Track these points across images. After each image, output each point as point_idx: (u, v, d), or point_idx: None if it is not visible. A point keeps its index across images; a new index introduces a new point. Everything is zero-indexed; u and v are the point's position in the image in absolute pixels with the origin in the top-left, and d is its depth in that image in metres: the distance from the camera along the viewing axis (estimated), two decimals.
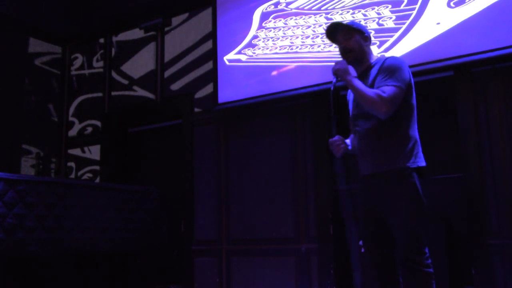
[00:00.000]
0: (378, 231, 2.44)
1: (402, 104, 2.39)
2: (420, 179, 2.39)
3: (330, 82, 3.67)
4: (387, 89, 2.33)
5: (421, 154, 2.46)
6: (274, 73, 4.21)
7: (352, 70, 2.54)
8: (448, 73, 3.59)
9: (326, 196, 3.95)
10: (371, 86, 2.43)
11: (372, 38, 2.81)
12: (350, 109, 2.67)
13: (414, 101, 2.51)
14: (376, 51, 3.77)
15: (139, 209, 4.22)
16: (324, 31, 2.62)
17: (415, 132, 2.48)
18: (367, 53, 2.58)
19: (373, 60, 2.57)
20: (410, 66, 3.57)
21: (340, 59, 2.57)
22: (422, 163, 2.42)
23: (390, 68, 2.40)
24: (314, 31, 4.10)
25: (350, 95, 2.69)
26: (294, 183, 4.11)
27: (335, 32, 2.60)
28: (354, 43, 2.54)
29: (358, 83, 2.41)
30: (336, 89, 2.58)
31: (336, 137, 2.56)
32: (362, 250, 3.51)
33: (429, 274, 2.27)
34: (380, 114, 2.33)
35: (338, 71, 2.47)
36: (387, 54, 3.71)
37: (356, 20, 3.84)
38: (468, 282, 3.36)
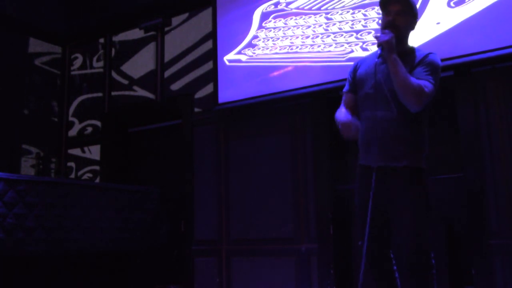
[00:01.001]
0: (379, 228, 2.33)
1: (427, 107, 2.34)
2: (427, 181, 2.36)
3: (330, 82, 3.60)
4: (429, 85, 2.24)
5: (427, 157, 2.40)
6: (275, 73, 4.21)
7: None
8: (448, 73, 3.59)
9: (326, 196, 3.95)
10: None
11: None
12: (364, 90, 2.42)
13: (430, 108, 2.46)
14: (375, 49, 3.76)
15: (139, 209, 4.22)
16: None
17: (428, 135, 2.40)
18: (406, 39, 2.42)
19: (408, 46, 2.42)
20: None
21: (387, 31, 2.31)
22: (427, 165, 2.37)
23: (433, 64, 2.31)
24: (314, 31, 4.10)
25: (366, 74, 2.43)
26: (294, 183, 4.11)
27: (391, 2, 2.37)
28: (405, 21, 2.36)
29: (401, 67, 2.22)
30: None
31: (348, 116, 2.36)
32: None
33: (433, 275, 2.25)
34: (414, 105, 2.22)
35: (385, 43, 2.24)
36: None
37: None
38: (468, 282, 3.36)
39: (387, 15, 2.38)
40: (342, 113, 2.40)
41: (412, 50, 2.42)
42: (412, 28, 2.44)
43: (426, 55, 2.34)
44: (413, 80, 2.22)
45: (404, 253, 2.27)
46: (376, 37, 2.30)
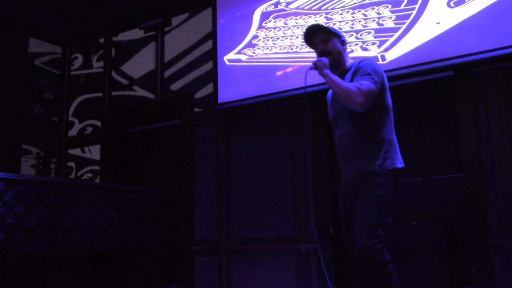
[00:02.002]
0: (352, 230, 2.49)
1: (377, 107, 2.44)
2: (396, 180, 2.45)
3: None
4: (365, 83, 2.37)
5: (398, 156, 2.48)
6: (275, 73, 4.21)
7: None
8: (448, 73, 3.59)
9: (326, 196, 3.95)
10: None
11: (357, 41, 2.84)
12: (330, 114, 2.69)
13: (389, 104, 2.55)
14: (376, 51, 3.77)
15: (139, 209, 4.22)
16: (313, 31, 2.66)
17: (391, 134, 2.51)
18: (343, 57, 2.63)
19: (348, 64, 2.62)
20: (410, 66, 3.60)
21: (319, 58, 2.58)
22: (398, 164, 2.46)
23: (365, 68, 2.45)
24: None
25: (328, 100, 2.72)
26: (294, 183, 4.11)
27: (314, 34, 2.64)
28: (332, 45, 2.59)
29: (334, 76, 2.45)
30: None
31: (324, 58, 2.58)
32: None
33: (388, 271, 2.31)
34: (357, 105, 2.34)
35: (318, 61, 2.51)
36: (387, 54, 3.72)
37: (356, 20, 3.86)
38: (468, 282, 3.36)
39: (316, 47, 2.65)
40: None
41: (352, 64, 2.59)
42: (343, 45, 2.64)
43: (358, 64, 2.52)
44: (347, 83, 2.40)
45: (357, 255, 2.42)
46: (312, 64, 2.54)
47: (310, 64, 2.58)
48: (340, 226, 3.87)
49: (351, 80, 2.47)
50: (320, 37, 2.62)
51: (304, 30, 2.68)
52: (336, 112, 2.57)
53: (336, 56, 2.59)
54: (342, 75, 2.58)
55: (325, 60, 2.52)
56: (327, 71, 2.47)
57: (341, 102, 2.45)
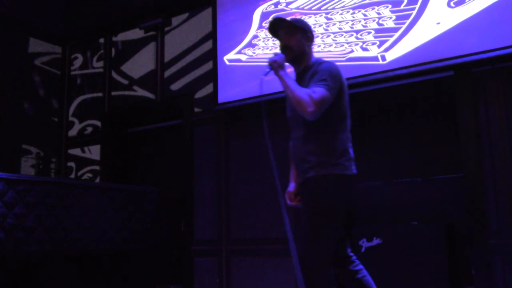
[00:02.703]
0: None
1: (331, 113, 2.32)
2: (346, 188, 2.33)
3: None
4: (318, 90, 2.25)
5: (350, 164, 2.35)
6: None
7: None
8: (448, 73, 3.59)
9: None
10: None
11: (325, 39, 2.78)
12: (287, 114, 2.59)
13: (346, 112, 2.43)
14: (376, 51, 3.77)
15: (139, 209, 4.22)
16: (275, 25, 2.52)
17: (344, 141, 2.38)
18: (307, 54, 2.50)
19: (311, 62, 2.49)
20: (410, 66, 3.60)
21: (276, 53, 2.47)
22: (349, 171, 2.33)
23: (323, 72, 2.33)
24: (314, 31, 4.10)
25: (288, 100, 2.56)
26: None
27: (278, 27, 2.51)
28: (296, 41, 2.46)
29: (289, 80, 2.33)
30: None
31: (288, 189, 2.52)
32: (362, 250, 3.52)
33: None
34: (307, 114, 2.24)
35: (274, 62, 2.38)
36: (387, 54, 3.72)
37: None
38: (468, 282, 3.36)
39: (279, 40, 2.52)
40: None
41: (314, 64, 2.46)
42: (308, 41, 2.51)
43: (318, 66, 2.40)
44: (300, 90, 2.27)
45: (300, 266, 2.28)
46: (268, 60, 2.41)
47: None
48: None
49: (308, 83, 2.36)
50: (284, 31, 2.49)
51: (268, 22, 2.53)
52: (293, 112, 2.45)
53: (297, 53, 2.46)
54: (303, 73, 2.47)
55: (280, 59, 2.39)
56: (282, 73, 2.35)
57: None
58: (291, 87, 2.29)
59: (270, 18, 2.53)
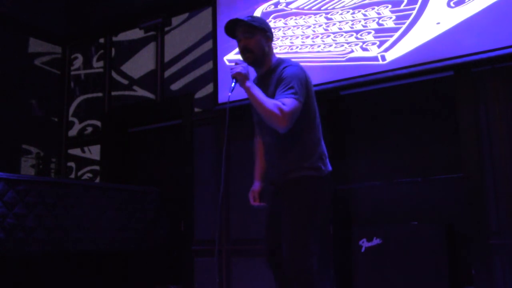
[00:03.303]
0: (277, 233, 2.34)
1: (303, 114, 2.27)
2: (327, 187, 2.34)
3: (330, 82, 3.65)
4: (288, 102, 2.15)
5: (326, 162, 2.36)
6: None
7: (252, 71, 2.38)
8: (448, 73, 3.59)
9: None
10: (273, 95, 2.27)
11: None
12: (254, 117, 2.50)
13: (315, 111, 2.40)
14: (376, 51, 3.77)
15: (139, 209, 4.22)
16: (233, 24, 2.41)
17: (318, 138, 2.37)
18: (268, 55, 2.40)
19: (274, 62, 2.41)
20: (410, 66, 3.60)
21: (240, 58, 2.38)
22: (326, 171, 2.33)
23: (289, 78, 2.23)
24: (314, 31, 4.10)
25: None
26: None
27: (236, 26, 2.38)
28: (255, 43, 2.34)
29: (257, 92, 2.21)
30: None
31: (252, 188, 2.47)
32: (362, 250, 3.52)
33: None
34: (280, 128, 2.17)
35: (238, 75, 2.24)
36: (387, 54, 3.72)
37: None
38: (468, 282, 3.36)
39: (239, 42, 2.39)
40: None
41: (277, 65, 2.38)
42: (268, 41, 2.40)
43: (281, 71, 2.30)
44: (269, 103, 2.16)
45: (284, 268, 2.25)
46: (231, 69, 2.28)
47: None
48: (340, 226, 3.90)
49: (274, 90, 2.27)
50: (242, 32, 2.36)
51: (225, 24, 2.40)
52: (258, 115, 2.33)
53: (258, 55, 2.36)
54: (267, 76, 2.39)
55: (244, 69, 2.25)
56: (248, 84, 2.22)
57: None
58: (260, 100, 2.18)
59: (226, 22, 2.40)
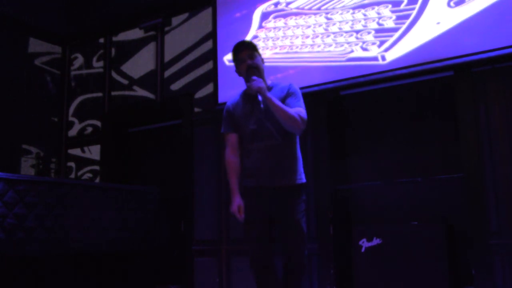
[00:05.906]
0: (265, 231, 2.64)
1: None
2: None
3: (330, 82, 3.72)
4: (303, 112, 2.58)
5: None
6: (275, 73, 4.21)
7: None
8: (448, 73, 3.59)
9: (326, 196, 3.95)
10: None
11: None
12: (248, 127, 2.67)
13: None
14: (376, 51, 3.77)
15: (139, 209, 4.22)
16: (241, 46, 2.71)
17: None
18: (264, 74, 2.73)
19: (268, 82, 2.73)
20: (410, 66, 3.62)
21: (255, 78, 2.62)
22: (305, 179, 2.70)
23: (297, 93, 2.67)
24: (314, 31, 4.10)
25: (245, 114, 2.70)
26: None
27: (239, 50, 2.71)
28: (258, 62, 2.70)
29: (277, 100, 2.54)
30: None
31: (237, 202, 2.63)
32: (362, 250, 3.52)
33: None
34: (298, 130, 2.58)
35: (259, 89, 2.54)
36: (387, 54, 3.72)
37: (357, 19, 3.86)
38: (468, 282, 3.36)
39: (243, 62, 2.70)
40: (233, 199, 2.64)
41: (275, 85, 2.73)
42: (263, 62, 2.76)
43: (289, 87, 2.69)
44: (290, 110, 2.55)
45: (287, 258, 2.59)
46: (249, 86, 2.61)
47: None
48: (340, 226, 3.90)
49: (283, 99, 2.61)
50: (247, 53, 2.69)
51: (235, 45, 2.72)
52: (259, 124, 2.61)
53: (262, 72, 2.70)
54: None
55: (261, 82, 2.57)
56: (270, 95, 2.55)
57: (280, 122, 2.54)
58: (282, 107, 2.52)
59: (235, 45, 2.73)
